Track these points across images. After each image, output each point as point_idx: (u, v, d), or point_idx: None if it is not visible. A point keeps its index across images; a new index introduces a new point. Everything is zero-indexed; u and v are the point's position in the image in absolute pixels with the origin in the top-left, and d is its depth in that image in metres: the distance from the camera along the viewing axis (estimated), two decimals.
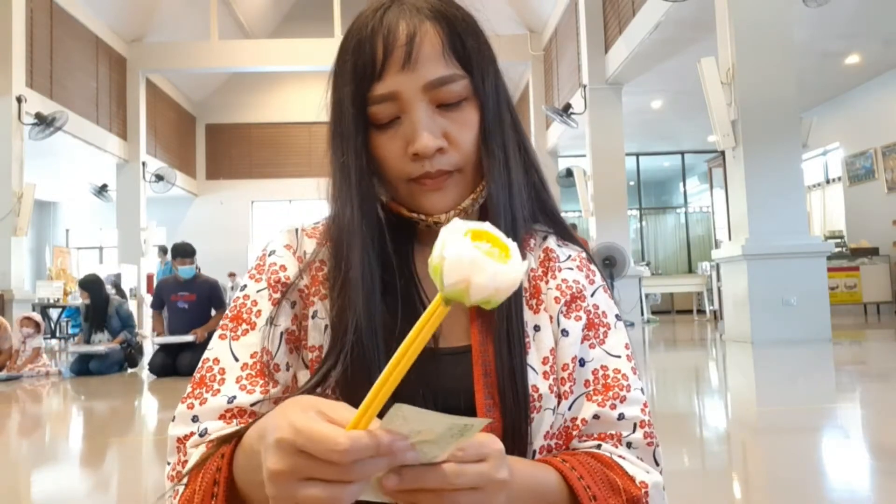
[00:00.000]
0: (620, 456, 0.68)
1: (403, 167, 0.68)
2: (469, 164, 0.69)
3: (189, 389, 0.68)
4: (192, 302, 6.04)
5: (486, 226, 0.45)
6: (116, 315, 6.43)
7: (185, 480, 0.62)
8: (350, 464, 0.41)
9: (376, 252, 0.68)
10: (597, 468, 0.65)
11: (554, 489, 0.62)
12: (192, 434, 0.65)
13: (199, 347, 5.75)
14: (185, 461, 0.64)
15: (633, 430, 0.70)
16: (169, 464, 0.67)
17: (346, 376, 0.64)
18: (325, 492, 0.42)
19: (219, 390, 0.67)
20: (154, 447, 3.26)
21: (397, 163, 0.68)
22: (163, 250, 11.12)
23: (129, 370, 6.47)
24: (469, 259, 0.40)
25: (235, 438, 0.59)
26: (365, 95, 0.67)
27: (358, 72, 0.67)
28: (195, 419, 0.66)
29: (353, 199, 0.68)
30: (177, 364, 5.79)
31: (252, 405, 0.66)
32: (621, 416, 0.70)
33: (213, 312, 6.17)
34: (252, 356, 0.69)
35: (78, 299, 11.17)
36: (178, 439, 0.66)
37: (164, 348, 5.95)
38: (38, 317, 6.51)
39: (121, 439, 3.49)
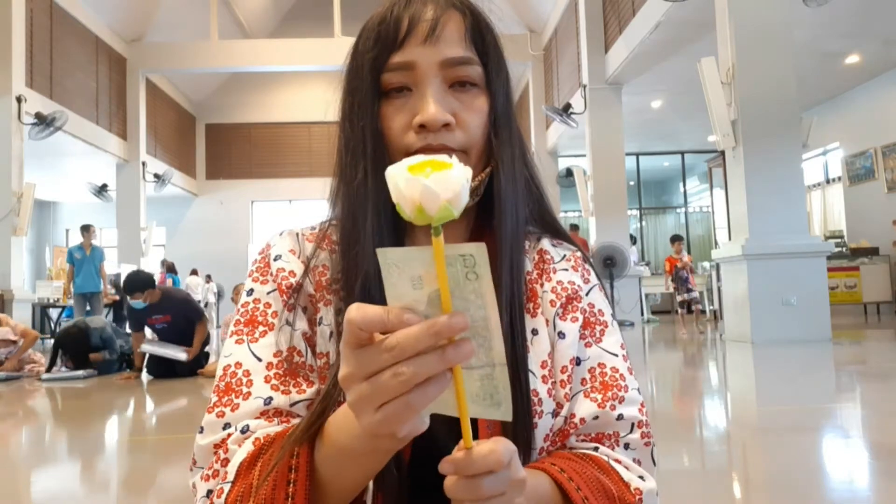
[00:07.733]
0: (617, 460, 0.68)
1: (405, 139, 0.67)
2: (474, 149, 0.68)
3: (215, 398, 0.65)
4: (169, 322, 5.99)
5: (425, 157, 0.46)
6: (99, 338, 6.28)
7: (229, 478, 0.59)
8: (378, 346, 0.42)
9: (387, 218, 0.67)
10: (592, 476, 0.64)
11: (548, 495, 0.61)
12: (229, 436, 0.63)
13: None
14: (227, 459, 0.61)
15: (631, 431, 0.70)
16: (201, 468, 0.63)
17: None
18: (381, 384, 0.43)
19: (249, 393, 0.64)
20: (154, 447, 3.26)
21: (399, 134, 0.67)
22: (85, 228, 9.46)
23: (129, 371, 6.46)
24: (405, 182, 0.43)
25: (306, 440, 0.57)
26: (383, 63, 0.67)
27: (380, 40, 0.68)
28: (227, 426, 0.63)
29: (367, 165, 0.67)
30: (175, 366, 5.82)
31: (291, 406, 0.64)
32: (620, 417, 0.70)
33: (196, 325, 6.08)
34: (275, 355, 0.67)
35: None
36: (215, 445, 0.63)
37: (157, 356, 5.92)
38: (10, 334, 6.42)
39: (120, 439, 3.49)
